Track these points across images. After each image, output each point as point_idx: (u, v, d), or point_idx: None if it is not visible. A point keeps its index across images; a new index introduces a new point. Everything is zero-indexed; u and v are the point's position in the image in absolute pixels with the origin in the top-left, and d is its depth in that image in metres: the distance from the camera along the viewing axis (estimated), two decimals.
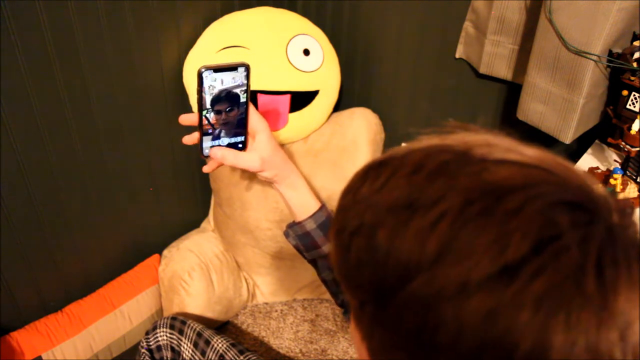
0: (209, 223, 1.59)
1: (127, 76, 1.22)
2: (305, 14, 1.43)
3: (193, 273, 1.39)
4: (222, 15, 1.34)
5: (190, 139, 0.78)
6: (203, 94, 0.72)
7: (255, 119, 0.78)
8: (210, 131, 0.75)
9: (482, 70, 1.23)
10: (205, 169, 0.82)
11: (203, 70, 0.71)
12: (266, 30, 1.29)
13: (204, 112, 0.74)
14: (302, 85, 1.31)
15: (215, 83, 0.72)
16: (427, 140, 0.37)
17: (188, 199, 1.54)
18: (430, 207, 0.32)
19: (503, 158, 0.33)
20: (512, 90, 1.25)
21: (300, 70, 1.30)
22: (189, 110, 1.37)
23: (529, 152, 0.34)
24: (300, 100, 1.32)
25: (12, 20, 0.99)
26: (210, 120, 0.74)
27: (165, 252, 1.49)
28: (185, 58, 1.32)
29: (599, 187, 0.33)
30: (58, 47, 1.07)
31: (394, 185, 0.34)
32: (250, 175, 1.38)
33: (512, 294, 0.29)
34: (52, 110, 1.12)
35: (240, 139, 0.78)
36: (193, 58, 1.30)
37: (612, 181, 0.92)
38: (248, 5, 1.37)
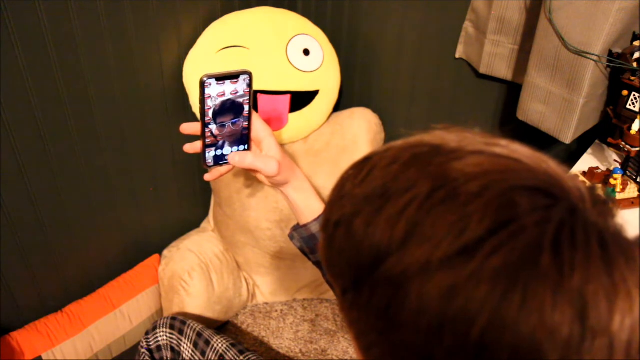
0: (209, 223, 1.59)
1: (127, 76, 1.22)
2: (305, 14, 1.43)
3: (193, 273, 1.39)
4: (222, 15, 1.34)
5: (191, 147, 0.77)
6: (206, 106, 0.72)
7: (258, 126, 0.77)
8: (215, 142, 0.75)
9: (482, 70, 1.23)
10: (207, 177, 0.81)
11: (205, 78, 0.70)
12: (266, 30, 1.29)
13: (208, 124, 0.73)
14: (302, 85, 1.31)
15: (219, 94, 0.72)
16: (409, 137, 0.39)
17: (188, 199, 1.54)
18: (401, 195, 0.34)
19: (474, 149, 0.35)
20: (512, 90, 1.25)
21: (300, 70, 1.30)
22: (188, 110, 1.37)
23: (503, 144, 0.35)
24: (300, 100, 1.32)
25: (12, 20, 0.99)
26: (214, 132, 0.74)
27: (165, 252, 1.49)
28: (185, 58, 1.32)
29: (575, 180, 0.34)
30: (58, 47, 1.07)
31: (373, 178, 0.37)
32: (250, 176, 1.38)
33: (469, 272, 0.30)
34: (52, 110, 1.12)
35: (243, 147, 0.77)
36: (193, 58, 1.30)
37: (612, 181, 0.92)
38: (248, 5, 1.38)
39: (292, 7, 1.43)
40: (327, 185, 1.29)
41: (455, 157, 0.34)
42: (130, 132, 1.29)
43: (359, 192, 0.37)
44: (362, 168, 0.38)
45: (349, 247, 0.36)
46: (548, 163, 0.35)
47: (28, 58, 1.03)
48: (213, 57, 1.27)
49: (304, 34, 1.33)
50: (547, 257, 0.29)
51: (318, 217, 0.81)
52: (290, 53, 1.29)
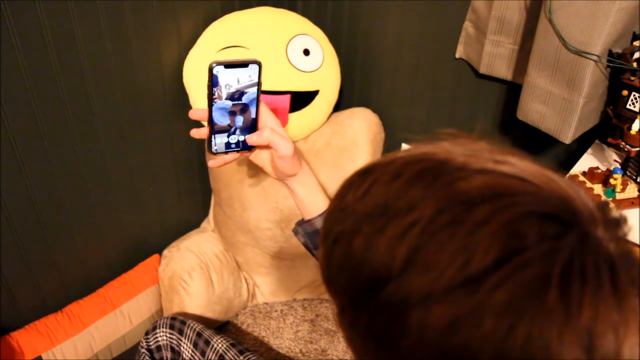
0: (209, 223, 1.59)
1: (127, 76, 1.22)
2: (305, 14, 1.43)
3: (193, 273, 1.39)
4: (222, 15, 1.34)
5: (198, 132, 0.77)
6: (218, 92, 0.72)
7: (266, 116, 0.77)
8: (222, 129, 0.75)
9: (482, 70, 1.23)
10: (211, 163, 0.81)
11: (214, 65, 0.71)
12: (266, 30, 1.29)
13: (219, 110, 0.73)
14: (302, 85, 1.31)
15: (232, 82, 0.72)
16: (413, 148, 0.37)
17: (188, 199, 1.54)
18: (403, 215, 0.32)
19: (481, 168, 0.33)
20: (512, 90, 1.25)
21: (300, 70, 1.30)
22: (188, 109, 1.37)
23: (512, 162, 0.34)
24: (301, 100, 1.32)
25: (12, 20, 0.99)
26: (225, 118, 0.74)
27: (165, 252, 1.49)
28: (185, 58, 1.32)
29: (586, 199, 0.33)
30: (58, 47, 1.07)
31: (375, 193, 0.35)
32: (250, 175, 1.38)
33: (473, 305, 0.29)
34: (52, 110, 1.12)
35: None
36: (193, 58, 1.30)
37: (612, 181, 0.92)
38: (248, 5, 1.38)
39: (292, 7, 1.43)
40: (327, 185, 1.29)
41: (462, 177, 0.32)
42: (130, 132, 1.29)
43: (360, 208, 0.35)
44: (363, 180, 0.36)
45: (347, 266, 0.34)
46: (558, 183, 0.33)
47: (28, 58, 1.03)
48: (213, 57, 1.27)
49: (304, 34, 1.33)
50: (555, 294, 0.28)
51: (323, 213, 0.81)
52: (290, 53, 1.29)
